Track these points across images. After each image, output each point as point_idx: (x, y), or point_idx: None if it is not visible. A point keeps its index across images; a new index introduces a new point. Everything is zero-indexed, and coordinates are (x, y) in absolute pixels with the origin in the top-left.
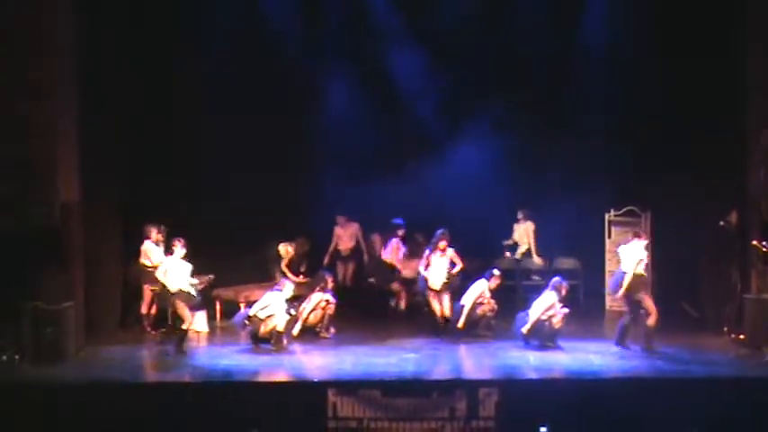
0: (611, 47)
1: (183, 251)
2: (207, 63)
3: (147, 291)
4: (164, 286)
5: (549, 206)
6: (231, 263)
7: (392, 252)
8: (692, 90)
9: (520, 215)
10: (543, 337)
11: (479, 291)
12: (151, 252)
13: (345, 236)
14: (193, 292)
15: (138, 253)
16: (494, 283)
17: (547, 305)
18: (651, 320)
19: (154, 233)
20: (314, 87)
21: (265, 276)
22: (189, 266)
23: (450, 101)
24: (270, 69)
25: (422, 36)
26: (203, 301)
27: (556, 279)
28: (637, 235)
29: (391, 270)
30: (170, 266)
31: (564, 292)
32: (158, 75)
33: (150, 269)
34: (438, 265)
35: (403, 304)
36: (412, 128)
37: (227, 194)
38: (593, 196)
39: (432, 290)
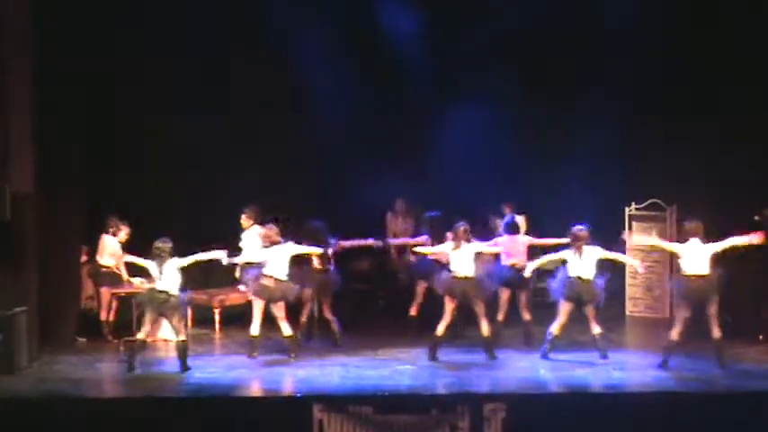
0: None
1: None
2: (175, 55)
3: (107, 294)
4: (161, 291)
5: (560, 198)
6: (203, 265)
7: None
8: (725, 64)
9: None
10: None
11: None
12: (116, 250)
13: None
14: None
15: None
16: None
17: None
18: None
19: (124, 230)
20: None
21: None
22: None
23: (450, 77)
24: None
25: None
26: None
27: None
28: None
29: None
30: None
31: (582, 239)
32: (125, 63)
33: (110, 269)
34: (467, 259)
35: (414, 309)
36: (406, 106)
37: (198, 193)
38: (610, 187)
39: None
